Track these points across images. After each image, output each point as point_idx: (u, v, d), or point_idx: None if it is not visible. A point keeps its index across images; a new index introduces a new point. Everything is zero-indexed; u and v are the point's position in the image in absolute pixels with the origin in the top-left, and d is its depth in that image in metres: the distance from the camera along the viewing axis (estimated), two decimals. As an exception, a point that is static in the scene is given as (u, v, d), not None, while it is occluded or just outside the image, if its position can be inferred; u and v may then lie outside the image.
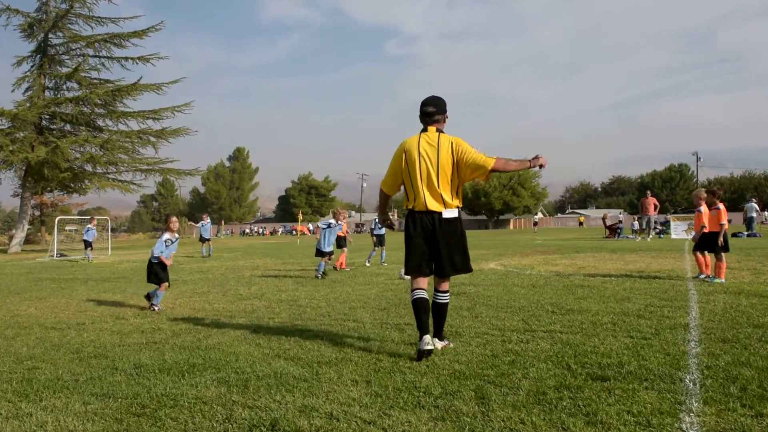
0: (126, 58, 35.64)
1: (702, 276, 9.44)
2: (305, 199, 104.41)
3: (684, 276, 10.13)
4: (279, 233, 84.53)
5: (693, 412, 3.34)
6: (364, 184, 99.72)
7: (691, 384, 3.84)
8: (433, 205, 4.78)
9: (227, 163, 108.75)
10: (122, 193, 35.91)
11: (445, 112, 4.93)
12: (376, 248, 15.54)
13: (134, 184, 36.57)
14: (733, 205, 78.60)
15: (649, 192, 27.35)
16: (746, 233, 26.06)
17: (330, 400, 3.79)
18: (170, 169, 37.43)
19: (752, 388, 3.70)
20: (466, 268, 4.89)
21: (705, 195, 9.91)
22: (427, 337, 4.69)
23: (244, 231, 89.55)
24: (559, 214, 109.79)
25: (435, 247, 4.80)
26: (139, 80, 34.46)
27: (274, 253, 24.30)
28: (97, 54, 35.65)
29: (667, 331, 5.50)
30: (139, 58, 35.56)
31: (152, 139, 35.96)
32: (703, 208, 9.76)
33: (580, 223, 75.73)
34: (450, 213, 4.80)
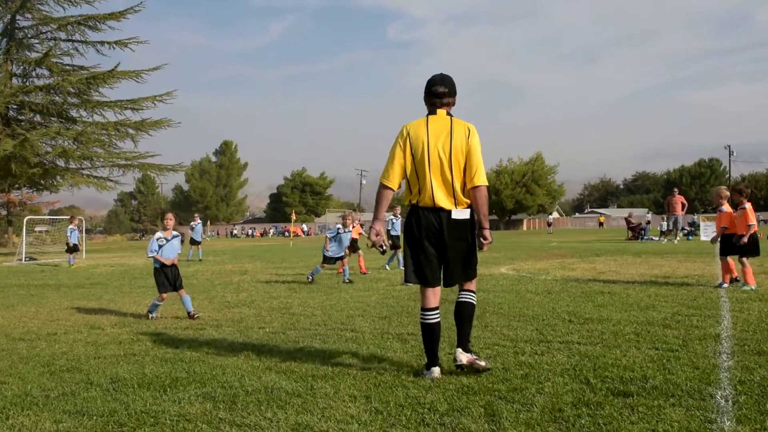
0: (102, 43, 35.76)
1: (725, 285, 9.33)
2: (299, 198, 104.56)
3: (715, 282, 10.12)
4: (270, 234, 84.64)
5: (725, 431, 3.34)
6: (364, 181, 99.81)
7: (722, 400, 3.84)
8: (442, 200, 4.49)
9: (213, 158, 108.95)
10: (98, 190, 36.07)
11: (456, 93, 4.68)
12: (390, 250, 15.57)
13: (111, 180, 36.70)
14: (769, 203, 78.48)
15: (676, 190, 27.35)
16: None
17: (326, 418, 3.79)
18: (151, 165, 37.53)
19: (790, 405, 3.70)
20: (469, 274, 4.70)
21: (727, 194, 9.83)
22: (437, 370, 4.55)
23: (232, 232, 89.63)
24: (577, 214, 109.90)
25: (441, 253, 4.56)
26: (116, 67, 34.53)
27: (264, 256, 24.33)
28: (69, 38, 35.75)
29: (696, 342, 5.50)
30: (116, 42, 35.66)
31: (131, 131, 36.06)
32: (726, 207, 9.68)
33: (600, 224, 75.76)
34: (461, 213, 4.53)
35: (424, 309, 4.59)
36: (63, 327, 7.65)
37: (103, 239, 72.19)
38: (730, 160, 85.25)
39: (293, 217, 41.20)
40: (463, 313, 4.67)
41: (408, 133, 4.58)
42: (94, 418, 3.96)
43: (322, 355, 5.50)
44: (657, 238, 27.06)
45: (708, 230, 26.03)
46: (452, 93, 4.64)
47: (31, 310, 9.46)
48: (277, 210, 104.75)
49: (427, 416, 3.73)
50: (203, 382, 4.69)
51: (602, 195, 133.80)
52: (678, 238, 25.59)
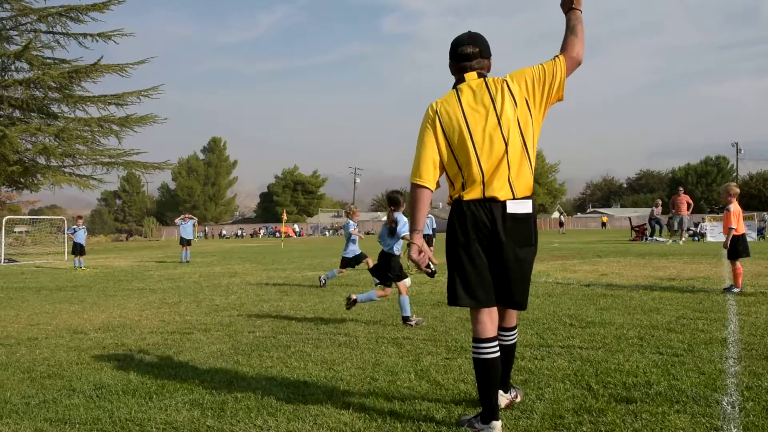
0: (84, 35, 35.59)
1: (735, 289, 9.28)
2: (290, 197, 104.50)
3: (722, 284, 10.16)
4: (261, 235, 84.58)
5: (731, 439, 3.36)
6: (357, 180, 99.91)
7: (729, 407, 3.86)
8: (495, 188, 3.53)
9: (201, 156, 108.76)
10: (80, 189, 35.85)
11: (491, 55, 3.81)
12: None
13: (94, 179, 36.54)
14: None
15: (681, 189, 27.43)
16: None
17: (318, 425, 3.79)
18: (136, 162, 37.41)
19: (799, 412, 3.72)
20: (526, 299, 3.74)
21: (737, 191, 9.81)
22: (498, 425, 3.53)
23: (221, 233, 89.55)
24: (579, 214, 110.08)
25: (498, 261, 3.58)
26: (99, 60, 34.41)
27: (255, 257, 24.31)
28: (50, 30, 35.59)
29: (702, 346, 5.52)
30: (99, 34, 35.52)
31: (115, 127, 35.91)
32: (734, 206, 9.65)
33: (603, 224, 75.98)
34: (521, 205, 3.58)
35: (477, 339, 3.59)
36: (44, 331, 7.63)
37: (87, 240, 71.92)
38: (737, 158, 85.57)
39: (284, 216, 41.13)
40: (507, 355, 3.87)
41: (438, 112, 3.67)
42: (77, 426, 3.95)
43: (314, 360, 5.51)
44: (662, 239, 27.13)
45: (714, 231, 26.13)
46: (486, 54, 3.75)
47: (11, 314, 9.43)
48: (268, 210, 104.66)
49: (423, 424, 3.73)
50: (190, 389, 4.69)
51: (605, 194, 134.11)
52: (683, 239, 25.66)
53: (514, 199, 3.54)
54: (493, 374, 3.55)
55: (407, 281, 7.55)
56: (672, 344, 5.64)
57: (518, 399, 4.08)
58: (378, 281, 7.63)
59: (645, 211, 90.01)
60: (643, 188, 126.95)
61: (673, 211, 25.95)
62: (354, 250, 11.87)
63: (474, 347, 3.60)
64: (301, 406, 4.18)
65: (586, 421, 3.67)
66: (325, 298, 9.95)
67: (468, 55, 3.70)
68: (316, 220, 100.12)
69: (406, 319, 7.22)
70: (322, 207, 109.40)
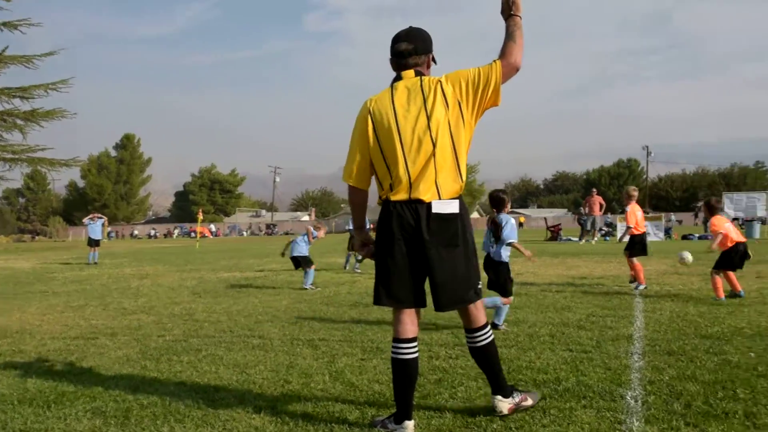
0: (-15, 24, 33.81)
1: (641, 287, 9.70)
2: (207, 196, 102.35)
3: (630, 282, 10.58)
4: (175, 235, 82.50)
5: (633, 432, 3.50)
6: (277, 179, 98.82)
7: (632, 401, 4.02)
8: (421, 190, 3.52)
9: (113, 153, 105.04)
10: (-21, 186, 34.06)
11: (430, 51, 3.75)
12: (352, 252, 14.99)
13: (-6, 176, 34.76)
14: (685, 204, 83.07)
15: (594, 190, 28.47)
16: (698, 236, 27.57)
17: (228, 430, 3.73)
18: (42, 159, 35.82)
19: (697, 405, 3.91)
20: (470, 295, 3.67)
21: (634, 193, 10.43)
22: (410, 426, 3.60)
23: (133, 233, 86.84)
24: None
25: (423, 262, 3.57)
26: (4, 50, 32.80)
27: (168, 259, 23.67)
28: (-53, 17, 33.68)
29: (609, 343, 5.74)
30: (4, 24, 33.84)
31: (19, 122, 34.27)
32: (630, 207, 10.19)
33: (521, 224, 77.99)
34: (446, 206, 3.56)
35: (395, 338, 3.63)
36: (-66, 338, 7.19)
37: (-14, 240, 68.33)
38: (648, 160, 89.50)
39: (200, 216, 40.25)
40: (484, 358, 3.80)
41: (371, 110, 3.65)
42: (-34, 438, 3.74)
43: (226, 363, 5.41)
44: (575, 239, 28.05)
45: (623, 231, 27.21)
46: (422, 50, 3.69)
47: None
48: (183, 209, 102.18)
49: (336, 426, 3.72)
50: (93, 396, 4.51)
51: (523, 195, 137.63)
52: (596, 239, 26.61)
53: (439, 200, 3.54)
54: (409, 374, 3.58)
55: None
56: (581, 341, 5.83)
57: (528, 402, 3.87)
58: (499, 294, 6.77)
59: (561, 212, 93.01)
60: (559, 189, 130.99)
61: (586, 211, 26.91)
62: (302, 251, 11.69)
63: (393, 347, 3.63)
64: (210, 411, 4.09)
65: (497, 419, 3.74)
66: (239, 300, 9.80)
67: (402, 52, 3.67)
68: (234, 220, 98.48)
69: (495, 326, 6.51)
70: (240, 206, 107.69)
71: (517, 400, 3.81)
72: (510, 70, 3.61)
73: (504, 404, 3.76)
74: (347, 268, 15.15)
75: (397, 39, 3.70)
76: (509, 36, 3.65)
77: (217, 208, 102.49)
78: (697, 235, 27.94)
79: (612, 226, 30.72)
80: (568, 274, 12.29)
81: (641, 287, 9.62)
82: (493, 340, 3.80)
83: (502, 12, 3.73)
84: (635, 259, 9.91)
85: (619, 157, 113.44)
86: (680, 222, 58.56)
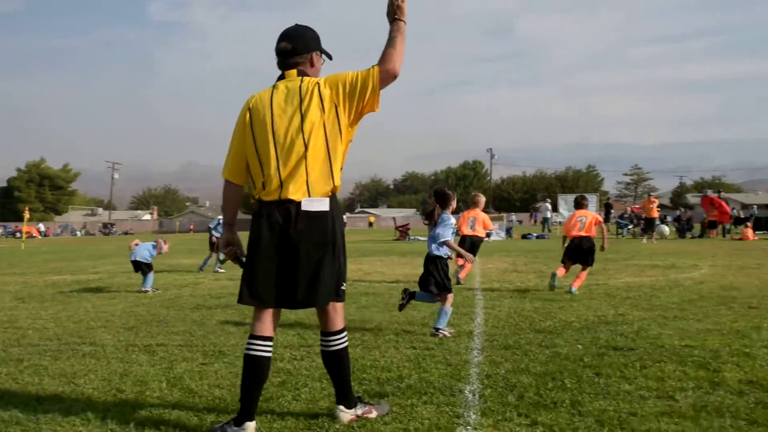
0: None
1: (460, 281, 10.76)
2: (35, 193, 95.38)
3: (473, 280, 11.09)
4: (-3, 236, 76.12)
5: (470, 425, 3.66)
6: (116, 176, 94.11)
7: (470, 395, 4.21)
8: (291, 191, 3.55)
9: None
10: None
11: (313, 49, 3.80)
12: (214, 253, 14.92)
13: None
14: (525, 206, 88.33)
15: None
16: (536, 235, 29.35)
17: (50, 446, 3.50)
18: None
19: (529, 396, 4.16)
20: (333, 295, 3.68)
21: (479, 199, 11.81)
22: (251, 427, 3.57)
23: (-55, 233, 79.12)
24: (348, 214, 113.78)
25: (289, 261, 3.57)
26: None
27: (-13, 261, 21.80)
28: None
29: (451, 340, 5.98)
30: None
31: None
32: (468, 212, 11.62)
33: (370, 224, 79.37)
34: (316, 204, 3.58)
35: (252, 336, 3.65)
36: None
37: None
38: (491, 162, 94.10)
39: (26, 215, 37.48)
40: (336, 363, 3.78)
41: (250, 108, 3.71)
42: None
43: (51, 373, 5.06)
44: (424, 239, 28.93)
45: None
46: (303, 49, 3.75)
47: None
48: (7, 207, 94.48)
49: (171, 434, 3.60)
50: None
51: (373, 195, 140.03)
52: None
53: (308, 198, 3.56)
54: (259, 373, 3.57)
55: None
56: (425, 339, 6.03)
57: (373, 414, 3.81)
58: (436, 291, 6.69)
59: (410, 212, 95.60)
60: (408, 189, 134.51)
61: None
62: (146, 257, 11.32)
63: (248, 343, 3.64)
64: (32, 425, 3.82)
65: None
66: (70, 305, 9.21)
67: (281, 51, 3.73)
68: (67, 219, 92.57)
69: (436, 330, 6.34)
70: (74, 204, 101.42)
71: (359, 412, 3.79)
72: (387, 77, 3.64)
73: (345, 415, 3.75)
74: (203, 270, 14.58)
75: (279, 38, 3.75)
76: (389, 41, 3.68)
77: (48, 206, 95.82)
78: (534, 234, 29.75)
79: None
80: (415, 274, 12.61)
81: (460, 282, 10.70)
82: (347, 347, 3.81)
83: (387, 15, 3.75)
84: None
85: (466, 158, 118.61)
86: (520, 222, 62.04)
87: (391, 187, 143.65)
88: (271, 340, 3.66)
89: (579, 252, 9.51)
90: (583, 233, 9.50)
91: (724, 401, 3.99)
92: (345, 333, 3.80)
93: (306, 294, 3.56)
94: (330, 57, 3.93)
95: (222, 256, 13.54)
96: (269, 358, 3.64)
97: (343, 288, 3.74)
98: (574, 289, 9.07)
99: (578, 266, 9.53)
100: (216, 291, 10.34)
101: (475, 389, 4.34)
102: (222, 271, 14.21)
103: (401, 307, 6.66)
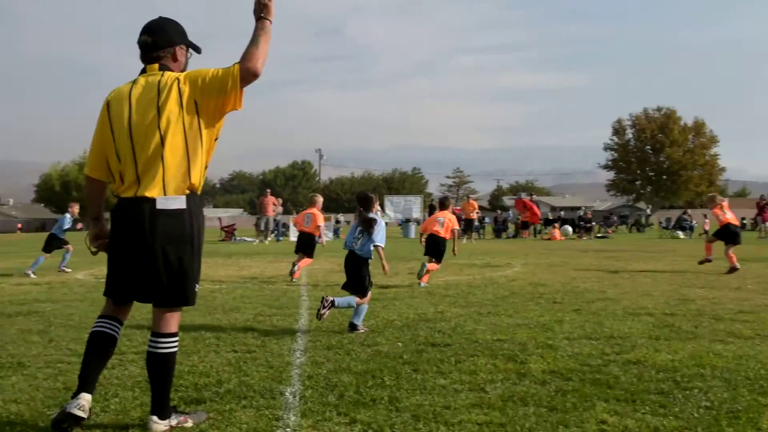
0: None
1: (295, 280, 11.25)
2: None
3: (299, 281, 11.10)
4: None
5: (290, 427, 3.65)
6: None
7: (291, 397, 4.21)
8: (148, 187, 3.51)
9: None
10: None
11: (177, 43, 3.75)
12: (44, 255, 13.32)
13: None
14: (353, 207, 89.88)
15: (268, 191, 29.31)
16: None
17: None
18: None
19: (349, 395, 4.23)
20: (184, 297, 3.67)
21: (317, 200, 12.40)
22: (85, 397, 3.55)
23: None
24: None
25: (144, 258, 3.52)
26: None
27: None
28: None
29: (274, 341, 5.94)
30: None
31: None
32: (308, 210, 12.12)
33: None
34: (172, 202, 3.53)
35: (100, 316, 3.74)
36: None
37: None
38: (320, 163, 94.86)
39: None
40: (158, 368, 3.65)
41: (109, 102, 3.66)
42: None
43: None
44: (250, 239, 28.53)
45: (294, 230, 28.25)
46: (164, 43, 3.68)
47: None
48: None
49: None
50: None
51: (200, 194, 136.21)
52: (269, 239, 27.36)
53: (164, 196, 3.51)
54: (104, 349, 3.68)
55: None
56: (247, 341, 5.94)
57: (189, 423, 3.67)
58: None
59: (237, 211, 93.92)
60: (235, 189, 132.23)
61: (261, 212, 27.54)
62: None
63: (98, 321, 3.74)
64: None
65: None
66: None
67: (142, 45, 3.68)
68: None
69: (353, 327, 6.44)
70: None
71: (174, 422, 3.65)
72: (248, 75, 3.58)
73: (159, 426, 3.59)
74: (32, 272, 12.93)
75: (141, 31, 3.71)
76: (253, 39, 3.64)
77: None
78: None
79: (286, 226, 31.85)
80: (239, 275, 12.45)
81: (295, 280, 11.14)
82: (175, 353, 3.71)
83: (254, 12, 3.71)
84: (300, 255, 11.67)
85: (295, 158, 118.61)
86: (348, 222, 62.92)
87: (218, 186, 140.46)
88: (119, 323, 3.76)
89: (433, 247, 10.62)
90: (441, 231, 10.58)
91: (528, 391, 4.29)
92: (177, 338, 3.73)
93: (164, 294, 3.58)
94: (198, 50, 3.90)
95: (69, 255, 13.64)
96: (115, 338, 3.71)
97: (197, 289, 3.75)
98: (422, 283, 10.10)
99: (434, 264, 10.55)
100: (18, 297, 9.54)
101: (296, 391, 4.34)
102: (68, 270, 13.17)
103: (320, 317, 6.36)
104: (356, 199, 7.25)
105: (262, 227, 27.73)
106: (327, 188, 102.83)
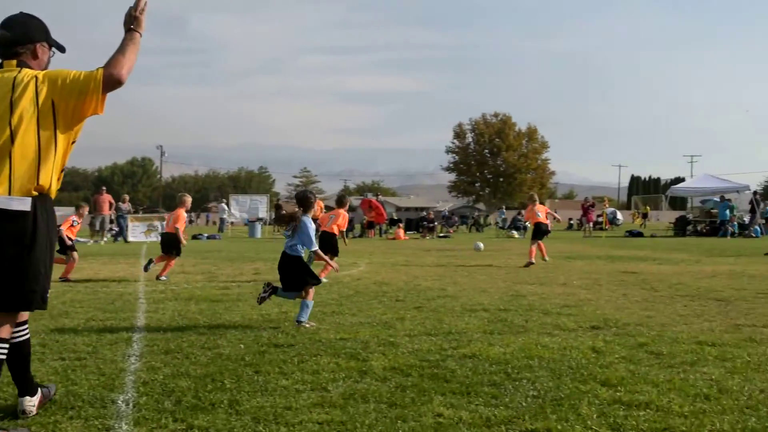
0: None
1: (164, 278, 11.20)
2: None
3: (137, 282, 10.65)
4: None
5: (122, 437, 3.50)
6: None
7: (123, 405, 4.02)
8: None
9: None
10: None
11: (37, 40, 3.66)
12: None
13: None
14: (198, 205, 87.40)
15: (104, 188, 27.86)
16: (206, 235, 29.24)
17: None
18: None
19: (187, 400, 4.11)
20: (21, 301, 3.54)
21: (186, 200, 12.26)
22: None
23: None
24: None
25: None
26: None
27: None
28: None
29: (107, 347, 5.65)
30: None
31: None
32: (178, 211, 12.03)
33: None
34: (16, 203, 3.41)
35: None
36: None
37: None
38: (162, 160, 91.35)
39: None
40: (21, 354, 3.73)
41: None
42: None
43: None
44: (84, 240, 26.95)
45: (136, 231, 27.01)
46: (24, 39, 3.58)
47: None
48: None
49: None
50: None
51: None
52: (105, 239, 26.02)
53: (9, 196, 3.39)
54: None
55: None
56: (77, 348, 5.60)
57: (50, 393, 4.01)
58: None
59: (69, 210, 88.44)
60: (68, 186, 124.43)
61: (96, 210, 26.10)
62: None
63: None
64: None
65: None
66: None
67: (2, 41, 3.56)
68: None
69: (299, 323, 6.59)
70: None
71: (42, 393, 3.89)
72: (111, 81, 3.51)
73: (32, 400, 3.77)
74: None
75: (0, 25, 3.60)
76: (120, 48, 3.60)
77: None
78: (206, 234, 29.70)
79: (123, 225, 30.42)
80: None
81: (163, 278, 11.10)
82: (29, 338, 3.81)
83: (124, 24, 3.68)
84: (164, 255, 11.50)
85: (134, 155, 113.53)
86: (191, 222, 61.20)
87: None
88: (4, 342, 3.52)
89: (326, 242, 11.07)
90: (330, 228, 11.43)
91: (369, 388, 4.38)
92: (27, 325, 3.77)
93: (9, 298, 3.46)
94: (62, 50, 3.82)
95: None
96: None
97: (47, 294, 3.69)
98: (323, 278, 9.69)
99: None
100: None
101: (129, 398, 4.15)
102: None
103: (261, 300, 6.74)
104: (295, 199, 7.26)
105: (98, 227, 26.30)
106: (169, 186, 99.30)
